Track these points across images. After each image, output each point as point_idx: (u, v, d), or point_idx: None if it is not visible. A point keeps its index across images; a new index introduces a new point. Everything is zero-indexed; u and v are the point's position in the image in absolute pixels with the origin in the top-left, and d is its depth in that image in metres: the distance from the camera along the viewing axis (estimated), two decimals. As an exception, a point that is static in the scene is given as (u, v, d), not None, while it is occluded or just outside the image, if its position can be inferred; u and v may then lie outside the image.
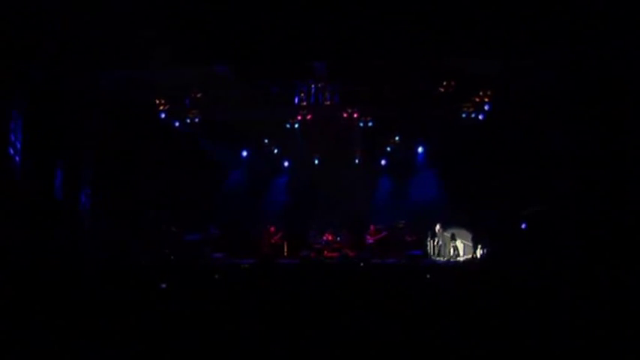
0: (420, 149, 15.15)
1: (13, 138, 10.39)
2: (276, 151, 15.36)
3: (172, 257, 12.84)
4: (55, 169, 11.36)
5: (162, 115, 13.60)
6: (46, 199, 11.01)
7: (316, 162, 15.26)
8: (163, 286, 7.32)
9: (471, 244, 13.60)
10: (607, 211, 9.96)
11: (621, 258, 8.80)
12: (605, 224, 9.75)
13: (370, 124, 13.92)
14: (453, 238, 13.82)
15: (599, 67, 10.18)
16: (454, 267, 12.27)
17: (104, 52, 10.68)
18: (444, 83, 12.59)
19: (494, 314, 5.07)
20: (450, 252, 13.72)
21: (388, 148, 15.08)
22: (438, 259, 13.60)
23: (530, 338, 4.28)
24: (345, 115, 13.79)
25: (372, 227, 14.39)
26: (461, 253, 13.75)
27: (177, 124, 14.06)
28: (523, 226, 11.94)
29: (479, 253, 13.02)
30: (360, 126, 14.03)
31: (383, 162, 15.33)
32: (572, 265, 8.87)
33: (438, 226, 13.91)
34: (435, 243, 13.93)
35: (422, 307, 5.54)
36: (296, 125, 13.96)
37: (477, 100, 13.08)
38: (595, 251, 9.39)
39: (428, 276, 9.10)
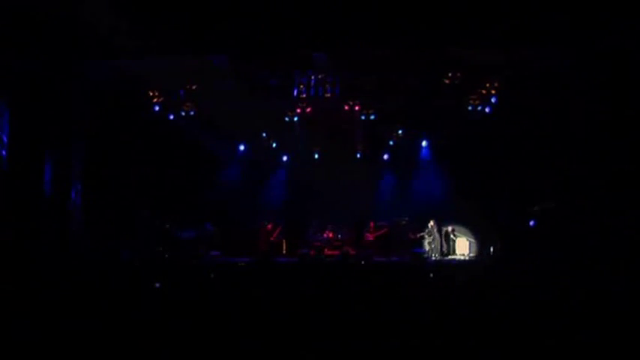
0: (423, 143, 15.07)
1: (-1, 131, 10.37)
2: (274, 145, 15.30)
3: (166, 255, 12.83)
4: (44, 164, 11.32)
5: (156, 108, 13.54)
6: (35, 195, 10.98)
7: (316, 156, 15.18)
8: (157, 285, 7.34)
9: (472, 241, 13.58)
10: (620, 208, 9.94)
11: (634, 258, 8.79)
12: (618, 222, 9.72)
13: (372, 117, 13.85)
14: (447, 234, 13.79)
15: (612, 56, 10.13)
16: (458, 265, 12.28)
17: (95, 43, 10.62)
18: (449, 74, 12.53)
19: (500, 314, 5.07)
20: (443, 249, 13.69)
21: (391, 142, 14.99)
22: (432, 256, 13.56)
23: (538, 338, 4.28)
24: (346, 107, 13.72)
25: (371, 224, 14.36)
26: (458, 251, 13.74)
27: (171, 117, 14.01)
28: (532, 223, 11.92)
29: (479, 250, 13.00)
30: (361, 119, 13.95)
31: (385, 156, 15.26)
32: (582, 265, 8.86)
33: (431, 223, 13.87)
34: (430, 240, 13.90)
35: (424, 307, 5.54)
36: (295, 118, 13.91)
37: (484, 92, 13.01)
38: (607, 250, 9.37)
39: (431, 275, 9.12)
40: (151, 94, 13.42)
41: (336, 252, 13.78)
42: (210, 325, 4.96)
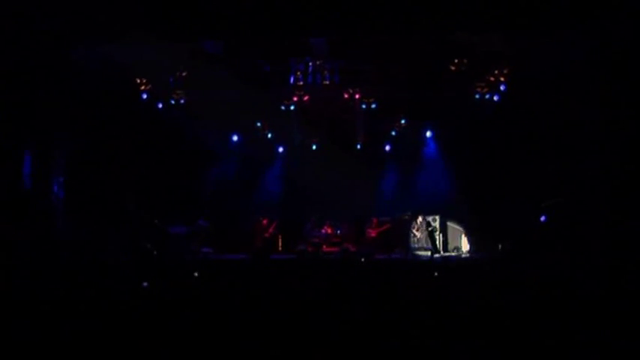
0: (428, 134, 15.07)
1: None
2: (269, 135, 15.26)
3: (155, 253, 12.79)
4: (24, 155, 11.24)
5: (144, 96, 13.47)
6: (14, 189, 10.92)
7: (314, 148, 15.18)
8: (145, 284, 7.30)
9: (469, 236, 13.71)
10: (634, 204, 9.92)
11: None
12: (635, 218, 9.71)
13: (373, 106, 13.84)
14: (431, 229, 13.93)
15: (630, 43, 10.06)
16: (464, 264, 12.29)
17: (79, 27, 10.52)
18: (456, 61, 12.47)
19: (505, 314, 5.06)
20: (430, 244, 13.85)
21: (393, 133, 15.00)
22: (420, 253, 13.75)
23: (542, 339, 4.28)
24: (345, 96, 13.71)
25: (374, 220, 14.35)
26: (454, 246, 13.95)
27: (160, 105, 13.93)
28: (542, 218, 11.90)
29: (479, 246, 13.19)
30: (362, 108, 13.93)
31: (387, 148, 15.26)
32: (595, 264, 8.86)
33: (419, 219, 13.97)
34: (417, 236, 14.03)
35: (427, 308, 5.52)
36: (292, 107, 13.86)
37: (492, 79, 12.98)
38: (623, 249, 9.36)
39: (436, 273, 9.10)
40: (139, 81, 13.34)
41: (335, 248, 13.79)
42: (202, 327, 4.93)
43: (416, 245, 14.07)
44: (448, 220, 14.34)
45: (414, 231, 14.14)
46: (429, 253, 13.48)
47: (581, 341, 4.21)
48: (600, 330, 4.42)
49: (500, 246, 12.48)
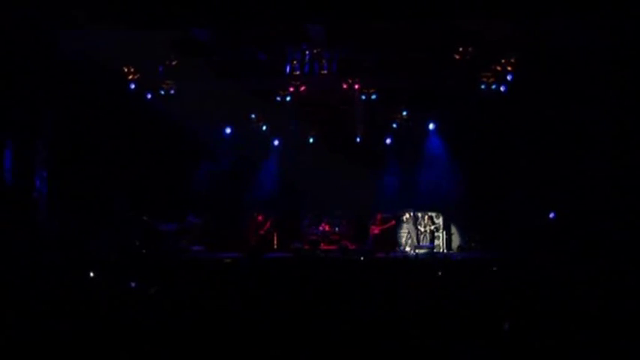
0: (430, 126, 15.09)
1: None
2: (264, 128, 15.28)
3: (144, 251, 12.83)
4: (4, 149, 11.25)
5: (132, 86, 13.46)
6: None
7: (311, 141, 15.20)
8: (133, 284, 7.31)
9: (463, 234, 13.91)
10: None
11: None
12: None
13: (373, 96, 13.82)
14: (417, 224, 14.16)
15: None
16: (468, 263, 12.35)
17: (62, 13, 10.51)
18: (460, 49, 12.48)
19: (508, 315, 5.09)
20: (417, 240, 14.08)
21: (394, 125, 15.00)
22: (408, 250, 13.98)
23: (544, 340, 4.32)
24: (344, 86, 13.69)
25: (378, 215, 14.35)
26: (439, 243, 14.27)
27: (149, 96, 13.93)
28: (551, 215, 11.94)
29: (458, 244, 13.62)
30: (361, 99, 13.93)
31: (388, 141, 15.28)
32: (596, 264, 8.89)
33: (407, 215, 14.15)
34: (405, 231, 14.28)
35: (430, 309, 5.56)
36: (287, 98, 13.86)
37: (498, 68, 12.98)
38: (625, 248, 9.40)
39: (439, 273, 9.14)
40: (126, 70, 13.32)
41: (333, 247, 13.83)
42: (194, 329, 4.95)
43: (407, 243, 14.22)
44: (450, 218, 14.45)
45: (402, 230, 14.30)
46: (422, 250, 13.62)
47: (581, 341, 4.25)
48: (600, 330, 4.46)
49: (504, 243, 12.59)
